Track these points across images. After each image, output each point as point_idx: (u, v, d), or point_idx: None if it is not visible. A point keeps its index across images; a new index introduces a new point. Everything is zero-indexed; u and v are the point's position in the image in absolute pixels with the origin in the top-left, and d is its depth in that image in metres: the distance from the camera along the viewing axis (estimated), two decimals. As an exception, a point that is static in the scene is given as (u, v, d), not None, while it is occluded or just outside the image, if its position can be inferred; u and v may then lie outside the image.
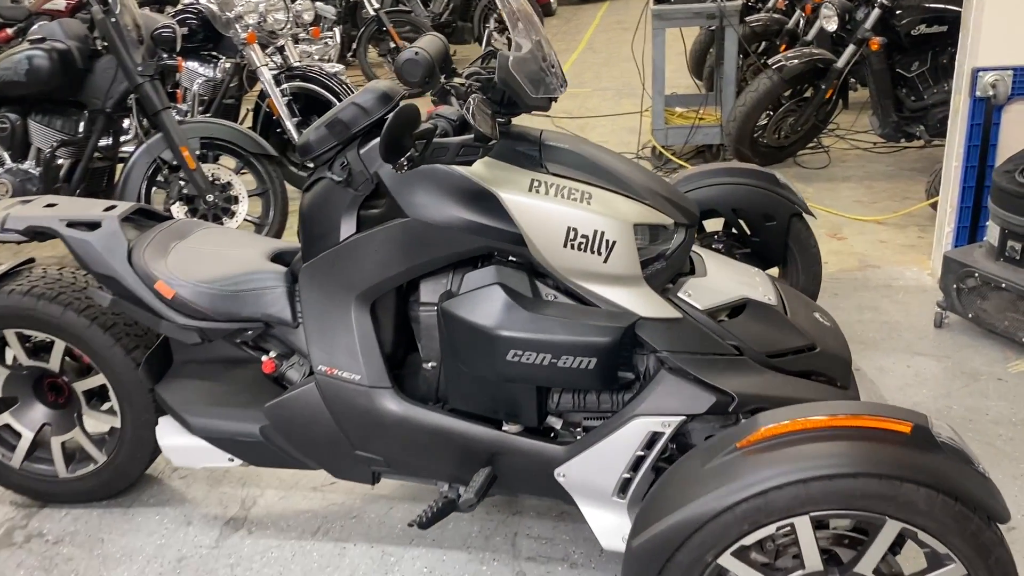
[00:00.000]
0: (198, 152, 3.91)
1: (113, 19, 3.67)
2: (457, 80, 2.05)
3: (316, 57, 6.36)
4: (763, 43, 6.18)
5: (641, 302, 1.92)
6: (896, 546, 1.51)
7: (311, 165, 2.11)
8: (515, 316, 1.88)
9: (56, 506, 2.54)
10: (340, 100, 4.90)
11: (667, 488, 1.56)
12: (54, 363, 2.39)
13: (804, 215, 2.80)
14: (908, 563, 1.65)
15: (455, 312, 1.92)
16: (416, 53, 1.87)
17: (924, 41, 4.59)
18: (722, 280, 2.11)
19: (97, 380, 2.39)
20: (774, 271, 2.94)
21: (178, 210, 3.94)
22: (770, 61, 4.82)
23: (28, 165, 3.88)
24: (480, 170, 1.91)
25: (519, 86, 1.88)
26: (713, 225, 2.89)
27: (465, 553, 2.26)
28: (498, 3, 1.96)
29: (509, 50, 1.95)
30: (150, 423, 2.37)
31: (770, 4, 6.37)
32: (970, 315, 3.06)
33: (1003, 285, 2.93)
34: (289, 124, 4.83)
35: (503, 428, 2.02)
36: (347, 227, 2.03)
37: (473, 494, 1.94)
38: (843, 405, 1.51)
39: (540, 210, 1.88)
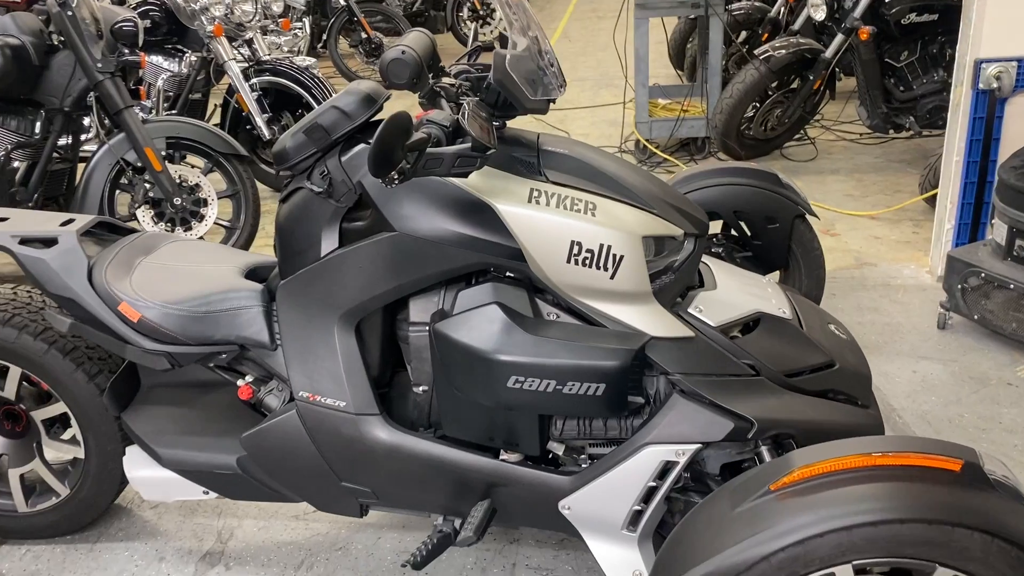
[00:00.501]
0: (164, 152, 3.70)
1: (70, 12, 3.44)
2: (447, 80, 1.88)
3: (285, 49, 6.14)
4: (745, 32, 6.06)
5: (651, 320, 1.78)
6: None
7: (288, 174, 1.93)
8: (515, 339, 1.73)
9: (16, 543, 2.35)
10: (312, 94, 4.70)
11: (693, 533, 1.42)
12: (9, 390, 2.19)
13: (807, 216, 2.67)
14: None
15: (449, 334, 1.77)
16: (403, 52, 1.71)
17: (914, 30, 4.49)
18: (733, 292, 1.97)
19: (58, 408, 2.20)
20: (775, 275, 2.81)
21: (144, 214, 3.73)
22: (756, 51, 4.70)
23: (-19, 169, 3.65)
24: (474, 179, 1.76)
25: (517, 88, 1.72)
26: (712, 227, 2.75)
27: (461, 587, 2.12)
28: (494, -2, 1.79)
29: (499, 46, 1.79)
30: (117, 453, 2.19)
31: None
32: (975, 316, 2.95)
33: (1011, 286, 2.82)
34: (259, 120, 4.63)
35: (501, 457, 1.88)
36: (328, 242, 1.87)
37: (472, 531, 1.79)
38: (885, 441, 1.38)
39: (540, 222, 1.73)
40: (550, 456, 1.91)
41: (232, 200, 3.89)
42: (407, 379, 1.96)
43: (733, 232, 2.71)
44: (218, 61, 4.63)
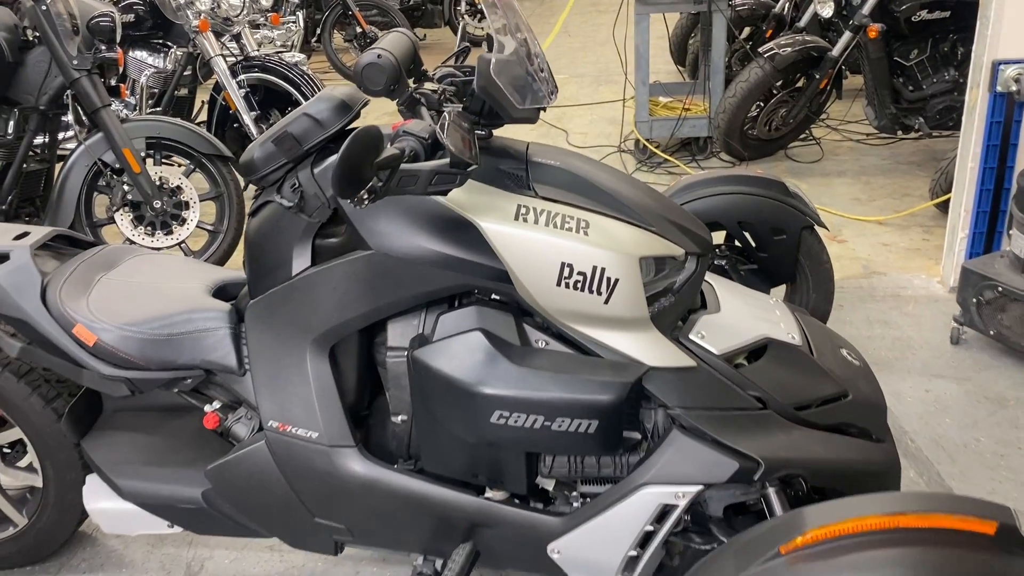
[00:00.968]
0: (143, 153, 3.55)
1: (44, 7, 3.29)
2: (428, 86, 1.73)
3: (279, 43, 5.98)
4: (749, 28, 5.90)
5: (649, 349, 1.63)
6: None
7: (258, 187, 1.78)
8: (500, 370, 1.58)
9: (-28, 574, 2.21)
10: (301, 92, 4.54)
11: (693, 598, 1.27)
12: (-39, 415, 2.05)
13: (816, 227, 2.52)
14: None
15: (428, 363, 1.62)
16: (379, 56, 1.56)
17: (925, 27, 4.33)
18: (739, 315, 1.82)
19: (13, 434, 2.06)
20: (782, 288, 2.67)
21: (122, 218, 3.58)
22: (761, 49, 4.54)
23: (-47, 170, 3.51)
24: (457, 195, 1.61)
25: (503, 95, 1.57)
26: (715, 238, 2.60)
27: (444, 628, 1.97)
28: (476, -5, 1.64)
29: (487, 47, 1.64)
30: (77, 482, 2.04)
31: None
32: (991, 332, 2.80)
33: (1030, 300, 2.67)
34: (247, 118, 4.47)
35: (486, 495, 1.73)
36: (300, 260, 1.72)
37: (454, 577, 1.65)
38: (908, 498, 1.23)
39: (528, 242, 1.58)
40: (539, 489, 1.77)
41: (216, 202, 3.74)
42: (387, 406, 1.82)
43: (737, 243, 2.56)
44: (204, 57, 4.48)
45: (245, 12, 4.64)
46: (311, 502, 1.81)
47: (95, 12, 3.40)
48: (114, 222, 3.59)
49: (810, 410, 1.71)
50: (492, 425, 1.58)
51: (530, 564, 1.74)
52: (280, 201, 1.69)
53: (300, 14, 6.92)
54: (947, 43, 4.36)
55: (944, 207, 3.80)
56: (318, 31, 7.76)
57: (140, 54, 4.54)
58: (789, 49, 4.45)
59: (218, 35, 4.58)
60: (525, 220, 1.60)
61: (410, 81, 1.76)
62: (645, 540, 1.64)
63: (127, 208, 3.58)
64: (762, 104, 4.64)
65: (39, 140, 3.64)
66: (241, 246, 3.85)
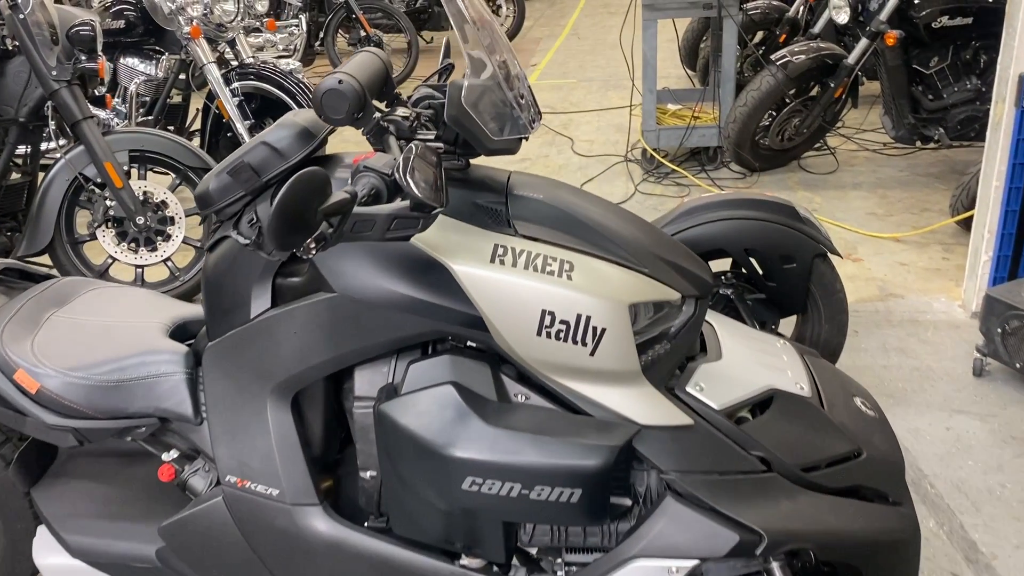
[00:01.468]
0: (127, 166, 3.41)
1: (22, 16, 3.15)
2: (401, 112, 1.57)
3: (281, 47, 5.84)
4: (761, 33, 5.71)
5: (640, 405, 1.47)
6: None
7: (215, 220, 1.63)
8: (473, 431, 1.42)
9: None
10: (296, 100, 4.40)
11: None
12: (-96, 460, 1.91)
13: (829, 255, 2.35)
14: None
15: (395, 419, 1.47)
16: (340, 81, 1.40)
17: (945, 34, 4.13)
18: (742, 363, 1.65)
19: (-41, 480, 1.91)
20: (791, 320, 2.49)
21: (104, 234, 3.44)
22: (773, 57, 4.35)
23: (-70, 184, 3.38)
24: (427, 234, 1.45)
25: (476, 126, 1.42)
26: (720, 265, 2.44)
27: None
28: (447, 9, 1.48)
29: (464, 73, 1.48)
30: (28, 533, 1.90)
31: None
32: (1018, 364, 2.62)
33: (1059, 332, 2.49)
34: (240, 127, 4.32)
35: (461, 562, 1.57)
36: (259, 301, 1.57)
37: (422, 656, 1.50)
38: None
39: (506, 287, 1.42)
40: (522, 554, 1.61)
41: (202, 217, 3.60)
42: (356, 458, 1.66)
43: (744, 271, 2.39)
44: (197, 64, 4.34)
45: (239, 18, 4.49)
46: (273, 564, 1.66)
47: (75, 21, 3.26)
48: (96, 239, 3.45)
49: (819, 471, 1.55)
50: (464, 492, 1.42)
51: (509, 639, 1.58)
52: (236, 237, 1.54)
53: (303, 17, 6.78)
54: (969, 50, 4.16)
55: (966, 224, 3.62)
56: (321, 35, 7.63)
57: (131, 61, 4.41)
58: (803, 57, 4.26)
59: (211, 42, 4.44)
60: (502, 262, 1.44)
61: (382, 105, 1.61)
62: (634, 619, 1.48)
63: (110, 224, 3.44)
64: (774, 113, 4.46)
65: (20, 151, 3.51)
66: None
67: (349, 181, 1.33)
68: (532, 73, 7.64)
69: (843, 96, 4.43)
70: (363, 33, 7.44)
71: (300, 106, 4.41)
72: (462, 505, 1.45)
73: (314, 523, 1.60)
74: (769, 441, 1.53)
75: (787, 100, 4.43)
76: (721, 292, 2.40)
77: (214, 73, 4.30)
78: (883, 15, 4.07)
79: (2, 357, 1.67)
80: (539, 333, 1.43)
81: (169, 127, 4.57)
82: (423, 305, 1.45)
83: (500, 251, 1.45)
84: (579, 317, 1.42)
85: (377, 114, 1.50)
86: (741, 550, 1.42)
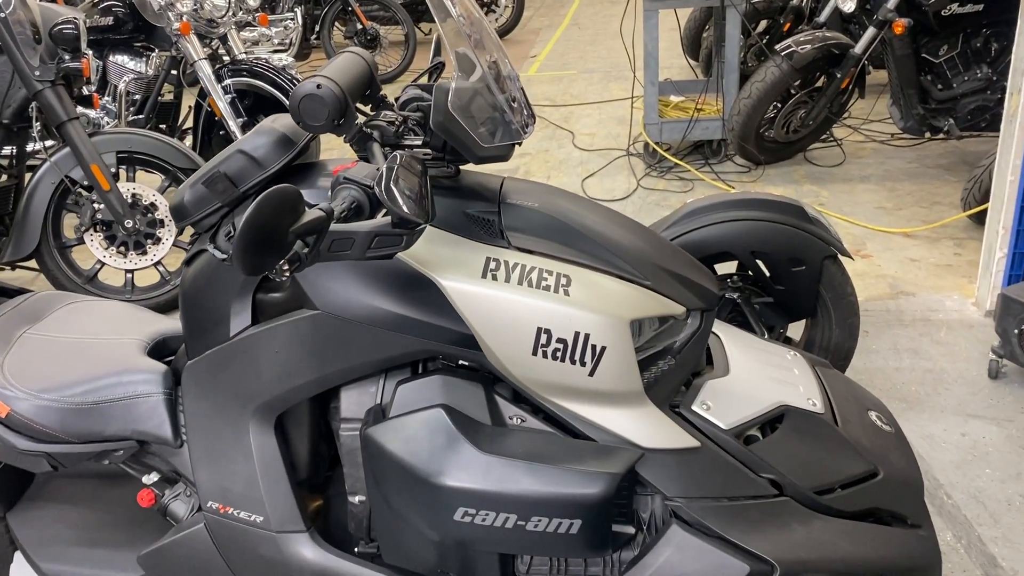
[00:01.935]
0: (114, 168, 3.32)
1: (3, 15, 3.06)
2: (386, 116, 1.47)
3: (276, 41, 5.73)
4: (765, 21, 5.59)
5: (643, 428, 1.38)
6: None
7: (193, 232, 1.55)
8: (464, 458, 1.33)
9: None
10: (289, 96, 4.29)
11: None
12: None
13: (839, 256, 2.25)
14: None
15: (383, 444, 1.39)
16: (319, 85, 1.31)
17: (955, 22, 4.02)
18: (751, 378, 1.56)
19: (-67, 505, 1.83)
20: (799, 324, 2.40)
21: (92, 238, 3.35)
22: (778, 47, 4.24)
23: (-87, 188, 3.30)
24: (415, 247, 1.36)
25: (465, 133, 1.32)
26: (726, 268, 2.35)
27: None
28: (430, 5, 1.38)
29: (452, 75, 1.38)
30: (5, 559, 1.82)
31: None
32: (1035, 366, 2.53)
33: (1079, 333, 2.40)
34: (233, 125, 4.23)
35: (457, 593, 1.49)
36: (239, 318, 1.48)
37: None
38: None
39: (499, 304, 1.33)
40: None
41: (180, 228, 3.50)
42: (344, 479, 1.58)
43: (751, 274, 2.29)
44: (188, 61, 4.24)
45: (230, 13, 4.39)
46: (258, 593, 1.57)
47: (58, 19, 3.17)
48: (84, 243, 3.36)
49: (834, 494, 1.46)
50: (456, 523, 1.34)
51: (507, 673, 1.50)
52: (213, 251, 1.45)
53: (298, 10, 6.67)
54: (979, 38, 4.05)
55: (978, 218, 3.52)
56: (317, 28, 7.52)
57: (120, 59, 4.30)
58: (808, 47, 4.15)
59: (202, 38, 4.33)
60: (495, 277, 1.35)
61: (367, 108, 1.51)
62: (638, 653, 1.40)
63: (98, 228, 3.35)
64: (779, 105, 4.35)
65: (6, 153, 3.42)
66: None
67: (330, 192, 1.24)
68: (532, 65, 7.53)
69: (850, 86, 4.32)
70: (359, 26, 7.33)
71: (294, 103, 4.30)
72: (454, 536, 1.36)
73: (301, 551, 1.53)
74: (780, 463, 1.44)
75: (792, 91, 4.32)
76: (727, 296, 2.31)
77: (205, 70, 4.20)
78: (891, 3, 3.95)
79: (-30, 379, 1.59)
80: (535, 352, 1.34)
81: (161, 126, 4.47)
82: (411, 323, 1.36)
83: (492, 265, 1.36)
84: (577, 335, 1.33)
85: (360, 119, 1.41)
86: (752, 582, 1.33)
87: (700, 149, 4.78)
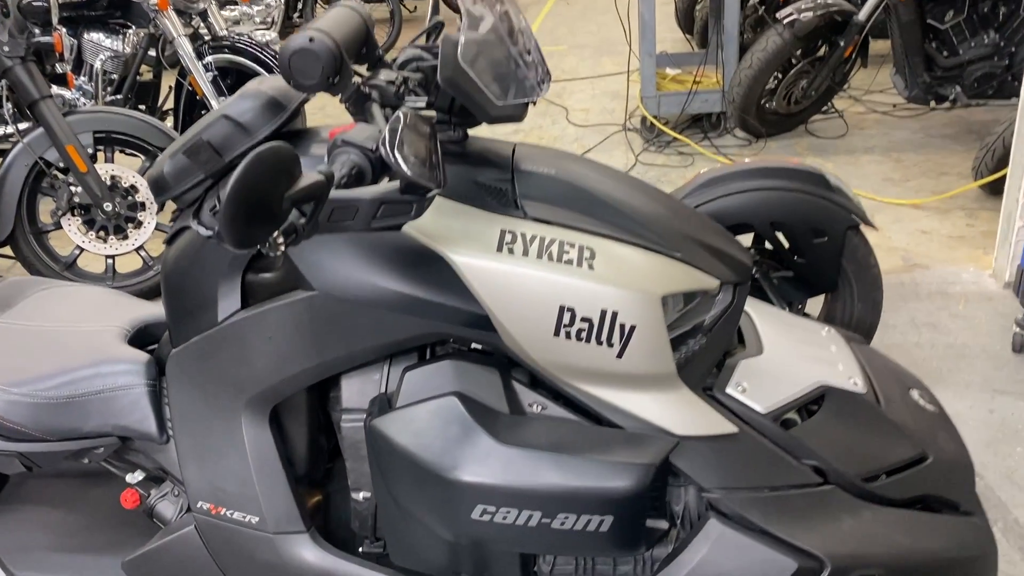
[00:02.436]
0: (91, 149, 3.16)
1: (-33, -14, 2.89)
2: (384, 75, 1.33)
3: (258, 20, 5.55)
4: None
5: (676, 413, 1.26)
6: None
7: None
8: (482, 451, 1.21)
9: None
10: (274, 74, 4.13)
11: None
12: None
13: (862, 226, 2.13)
14: None
15: (390, 436, 1.26)
16: (311, 39, 1.16)
17: (962, -14, 3.90)
18: (787, 357, 1.44)
19: (-101, 510, 1.70)
20: (819, 299, 2.28)
21: (70, 223, 3.20)
22: (779, 15, 4.11)
23: None
24: (422, 219, 1.22)
25: (476, 89, 1.19)
26: (742, 240, 2.22)
27: None
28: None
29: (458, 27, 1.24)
30: (-20, 565, 1.69)
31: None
32: (1062, 339, 2.42)
33: (1110, 304, 2.29)
34: (215, 104, 4.06)
35: (472, 596, 1.37)
36: (228, 301, 1.35)
37: None
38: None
39: (516, 280, 1.20)
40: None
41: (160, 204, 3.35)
42: (345, 474, 1.45)
43: (769, 247, 2.17)
44: (167, 38, 4.06)
45: (210, -13, 4.21)
46: (255, 600, 1.45)
47: (27, -9, 3.00)
48: (61, 228, 3.20)
49: (881, 481, 1.34)
50: (473, 522, 1.22)
51: None
52: (197, 228, 1.31)
53: (280, -13, 6.48)
54: (987, 3, 3.92)
55: (990, 188, 3.42)
56: (300, 6, 7.32)
57: (95, 36, 4.12)
58: (811, 14, 4.02)
59: (182, 15, 4.16)
60: (511, 251, 1.22)
61: (362, 69, 1.37)
62: (675, 658, 1.28)
63: (75, 212, 3.19)
64: (780, 75, 4.23)
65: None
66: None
67: (325, 159, 1.11)
68: (521, 41, 7.36)
69: (853, 55, 4.20)
70: (344, 3, 7.13)
71: (279, 80, 4.15)
72: (471, 536, 1.24)
73: (301, 553, 1.40)
74: (823, 448, 1.32)
75: (794, 61, 4.20)
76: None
77: (185, 47, 4.02)
78: (896, -33, 3.83)
79: (-67, 374, 1.45)
80: (557, 333, 1.21)
81: (140, 106, 4.30)
82: (419, 303, 1.23)
83: (508, 238, 1.23)
84: (603, 313, 1.20)
85: (356, 79, 1.27)
86: (799, 580, 1.21)
87: (699, 123, 4.65)
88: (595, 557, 1.31)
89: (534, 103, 1.31)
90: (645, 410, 1.25)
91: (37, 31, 3.00)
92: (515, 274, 1.20)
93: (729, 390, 1.33)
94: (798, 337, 1.52)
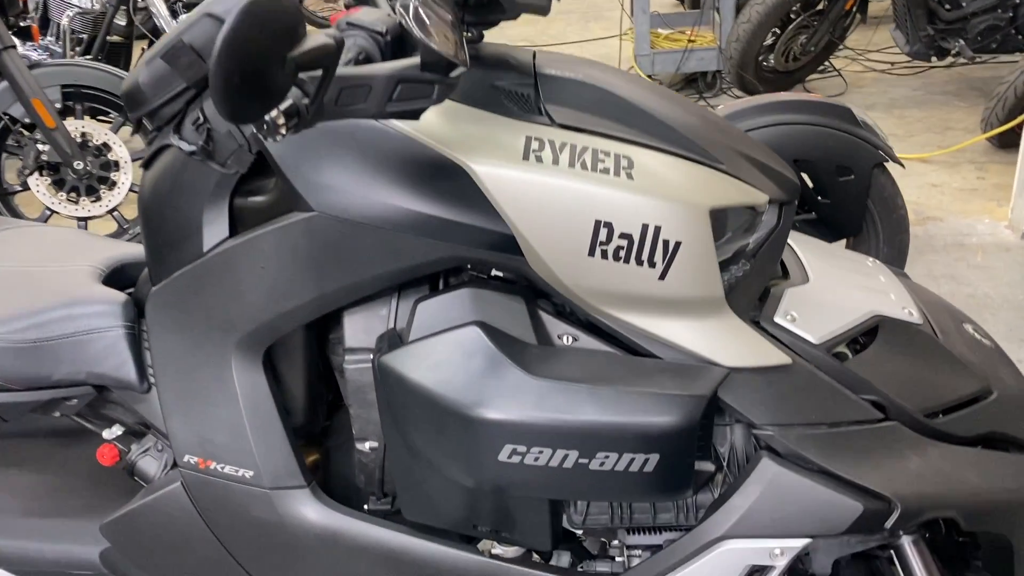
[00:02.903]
0: (59, 105, 2.97)
1: (-80, -73, 2.69)
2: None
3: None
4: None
5: (724, 342, 1.13)
6: None
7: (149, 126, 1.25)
8: (511, 384, 1.07)
9: None
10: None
11: None
12: None
13: (888, 164, 2.01)
14: None
15: (403, 374, 1.11)
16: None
17: (967, -66, 3.78)
18: (834, 286, 1.31)
19: None
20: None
21: (38, 183, 3.01)
22: (778, -34, 3.97)
23: None
24: (435, 124, 1.08)
25: (501, -34, 1.04)
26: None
27: None
28: None
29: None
30: (-54, 534, 1.53)
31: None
32: (1090, 286, 2.32)
33: None
34: (191, 66, 3.87)
35: (493, 552, 1.23)
36: (214, 228, 1.20)
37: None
38: None
39: (546, 192, 1.06)
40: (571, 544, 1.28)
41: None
42: (350, 424, 1.31)
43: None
44: (139, -4, 3.87)
45: (183, -59, 4.01)
46: (249, 562, 1.31)
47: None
48: (29, 188, 3.02)
49: (945, 417, 1.22)
50: (501, 465, 1.07)
51: (558, 646, 1.25)
52: (179, 144, 1.16)
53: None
54: (991, -47, 3.81)
55: (999, 141, 3.33)
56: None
57: (62, -9, 3.92)
58: (811, -35, 3.89)
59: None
60: (539, 159, 1.07)
61: None
62: (724, 615, 1.15)
63: (43, 171, 3.01)
64: (778, 31, 4.10)
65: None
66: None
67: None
68: (505, 9, 7.19)
69: (853, 8, 4.07)
70: (324, -32, 6.92)
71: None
72: (497, 481, 1.10)
73: (300, 510, 1.26)
74: (882, 381, 1.19)
75: (792, 15, 4.07)
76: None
77: (159, 7, 3.83)
78: (899, -85, 3.70)
79: None
80: (591, 253, 1.07)
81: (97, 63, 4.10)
82: (433, 223, 1.08)
83: (535, 145, 1.09)
84: (645, 228, 1.07)
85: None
86: (865, 523, 1.09)
87: (694, 83, 4.52)
88: (636, 502, 1.18)
89: (560, -4, 1.16)
90: (689, 340, 1.11)
91: (-2, -22, 2.81)
92: (544, 185, 1.06)
93: (777, 319, 1.20)
94: (844, 267, 1.39)
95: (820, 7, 4.11)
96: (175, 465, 1.30)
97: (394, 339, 1.16)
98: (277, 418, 1.25)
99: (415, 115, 0.93)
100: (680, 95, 1.29)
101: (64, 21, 3.84)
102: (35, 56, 3.86)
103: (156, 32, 3.97)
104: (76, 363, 1.30)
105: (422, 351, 1.11)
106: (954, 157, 3.45)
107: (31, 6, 3.62)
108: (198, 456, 1.27)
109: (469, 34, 1.19)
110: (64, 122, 2.95)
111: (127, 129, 3.19)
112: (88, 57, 3.98)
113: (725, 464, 1.19)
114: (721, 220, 1.18)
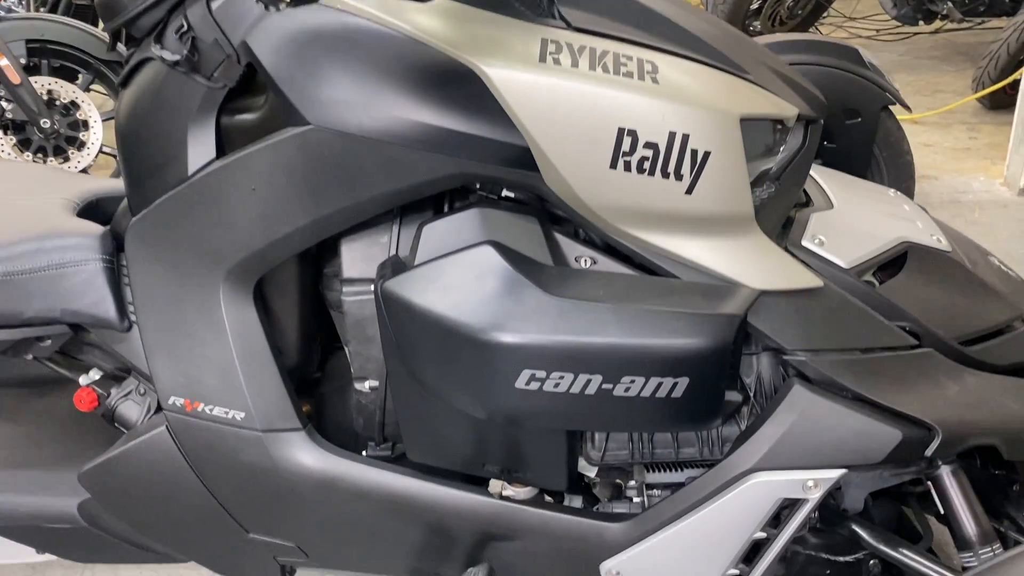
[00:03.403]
0: (24, 60, 2.84)
1: None
2: None
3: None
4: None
5: (753, 263, 1.06)
6: None
7: (124, 44, 1.15)
8: (529, 304, 0.99)
9: None
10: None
11: None
12: None
13: (894, 107, 1.95)
14: None
15: (409, 299, 1.03)
16: None
17: None
18: (860, 212, 1.25)
19: None
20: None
21: (3, 143, 2.88)
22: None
23: None
24: (444, 26, 1.00)
25: None
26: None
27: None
28: None
29: None
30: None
31: None
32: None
33: None
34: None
35: (503, 494, 1.16)
36: (200, 148, 1.10)
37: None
38: None
39: (565, 97, 0.98)
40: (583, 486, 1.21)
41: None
42: (347, 365, 1.22)
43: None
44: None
45: None
46: (242, 512, 1.23)
47: None
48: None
49: (980, 345, 1.16)
50: (518, 392, 1.00)
51: (574, 591, 1.18)
52: (161, 55, 1.06)
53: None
54: (980, -88, 3.78)
55: (990, 101, 3.30)
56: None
57: (25, -52, 3.75)
58: (798, -74, 3.83)
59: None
60: (557, 62, 0.99)
61: None
62: (752, 552, 1.09)
63: (8, 130, 2.88)
64: (765, -6, 4.05)
65: None
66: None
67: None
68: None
69: (841, -29, 4.03)
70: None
71: None
72: (513, 411, 1.02)
73: (296, 454, 1.17)
74: (915, 307, 1.13)
75: (779, -22, 4.02)
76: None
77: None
78: None
79: None
80: (613, 165, 0.99)
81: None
82: (440, 135, 1.00)
83: (551, 47, 1.00)
84: (672, 136, 0.99)
85: None
86: (904, 451, 1.03)
87: (678, 49, 4.45)
88: (661, 432, 1.10)
89: None
90: (716, 261, 1.04)
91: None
92: (564, 89, 0.98)
93: (805, 243, 1.13)
94: (867, 195, 1.33)
95: (808, -30, 4.07)
96: (159, 409, 1.21)
97: (398, 265, 1.08)
98: (269, 356, 1.16)
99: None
100: (698, 7, 1.21)
101: (27, -22, 3.68)
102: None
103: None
104: (49, 299, 1.20)
105: (430, 274, 1.03)
106: (945, 118, 3.42)
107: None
108: (184, 398, 1.18)
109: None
110: (30, 79, 2.82)
111: (98, 90, 3.06)
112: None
113: (752, 394, 1.12)
114: (747, 136, 1.11)
